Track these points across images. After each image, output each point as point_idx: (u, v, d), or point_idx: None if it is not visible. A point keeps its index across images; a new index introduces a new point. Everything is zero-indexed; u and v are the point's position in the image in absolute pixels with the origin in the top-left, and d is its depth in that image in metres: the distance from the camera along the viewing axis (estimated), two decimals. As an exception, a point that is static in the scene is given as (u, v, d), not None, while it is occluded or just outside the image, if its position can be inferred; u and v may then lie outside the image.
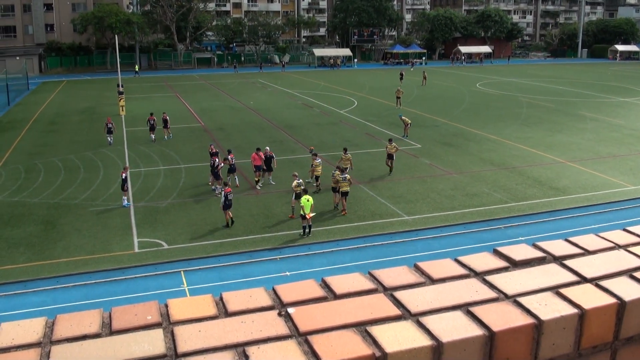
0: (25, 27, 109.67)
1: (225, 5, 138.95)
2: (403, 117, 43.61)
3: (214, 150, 31.83)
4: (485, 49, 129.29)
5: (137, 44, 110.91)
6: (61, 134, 47.43)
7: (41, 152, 40.48)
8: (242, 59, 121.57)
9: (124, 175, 28.51)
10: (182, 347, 1.72)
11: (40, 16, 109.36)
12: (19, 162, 37.64)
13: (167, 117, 43.83)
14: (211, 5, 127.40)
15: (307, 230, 24.65)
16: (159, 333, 1.81)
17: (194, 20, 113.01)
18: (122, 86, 61.16)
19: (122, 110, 53.32)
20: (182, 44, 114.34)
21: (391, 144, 33.14)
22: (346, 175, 27.49)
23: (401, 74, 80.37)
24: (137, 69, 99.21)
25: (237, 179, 31.37)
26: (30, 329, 1.89)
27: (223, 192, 25.96)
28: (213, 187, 30.33)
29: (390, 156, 33.02)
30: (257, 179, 31.09)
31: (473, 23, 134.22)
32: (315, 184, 30.22)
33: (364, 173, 33.07)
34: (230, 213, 25.95)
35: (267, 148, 32.18)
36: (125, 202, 28.42)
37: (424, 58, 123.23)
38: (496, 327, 1.75)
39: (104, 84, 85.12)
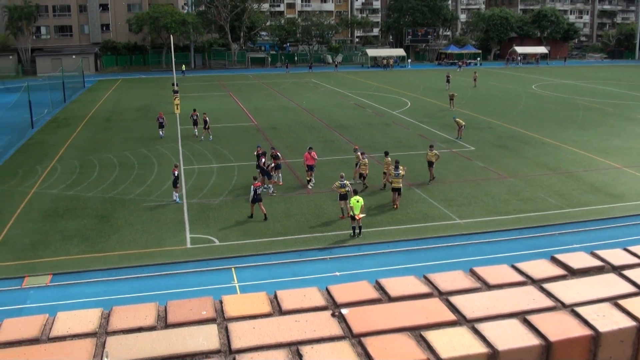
0: (81, 26, 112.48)
1: (279, 6, 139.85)
2: (457, 119, 43.14)
3: (261, 151, 31.92)
4: (542, 49, 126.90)
5: (191, 44, 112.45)
6: (116, 130, 48.40)
7: (96, 148, 41.38)
8: (295, 58, 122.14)
9: (175, 172, 28.97)
10: (236, 344, 1.74)
11: (96, 16, 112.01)
12: (74, 157, 38.56)
13: (207, 118, 43.78)
14: (265, 6, 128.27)
15: (357, 231, 24.61)
16: (213, 328, 1.83)
17: (248, 20, 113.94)
18: (177, 85, 62.12)
19: (177, 108, 54.08)
20: (236, 43, 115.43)
21: (432, 151, 31.99)
22: (399, 171, 27.70)
23: (447, 77, 75.79)
24: (183, 69, 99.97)
25: (280, 176, 31.69)
26: (86, 319, 1.93)
27: (252, 186, 26.46)
28: (265, 186, 30.54)
29: (430, 163, 31.84)
30: (308, 179, 31.19)
31: (529, 23, 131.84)
32: (358, 182, 30.16)
33: (417, 175, 32.83)
34: (262, 207, 26.50)
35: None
36: (176, 198, 28.86)
37: (478, 59, 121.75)
38: (553, 337, 1.72)
39: (159, 82, 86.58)
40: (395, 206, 27.88)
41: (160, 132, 44.77)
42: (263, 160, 30.71)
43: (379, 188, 30.51)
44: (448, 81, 74.29)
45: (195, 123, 44.81)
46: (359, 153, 31.53)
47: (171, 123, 49.15)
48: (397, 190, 27.90)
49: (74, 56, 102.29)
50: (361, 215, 24.41)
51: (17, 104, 54.08)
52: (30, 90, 51.00)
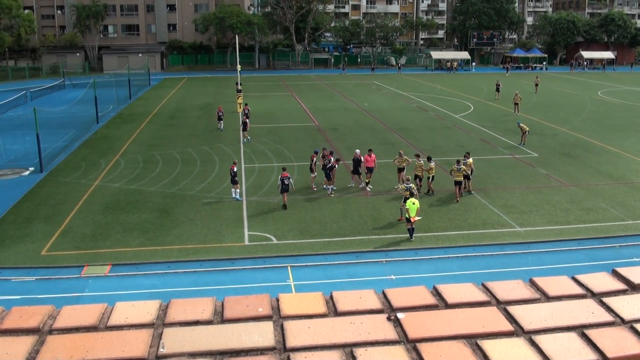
0: (148, 26, 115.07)
1: (344, 7, 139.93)
2: (521, 124, 42.44)
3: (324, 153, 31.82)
4: (608, 54, 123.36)
5: (256, 44, 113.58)
6: (180, 128, 49.24)
7: (159, 144, 42.20)
8: (359, 60, 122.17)
9: (234, 169, 29.31)
10: (291, 342, 1.75)
11: (163, 16, 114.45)
12: (137, 153, 39.44)
13: (247, 120, 44.04)
14: (330, 7, 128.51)
15: (413, 233, 24.48)
16: (269, 326, 1.85)
17: (313, 21, 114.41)
18: (240, 84, 62.81)
19: (240, 107, 54.65)
20: (301, 44, 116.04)
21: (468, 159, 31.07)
22: (461, 166, 29.21)
23: (497, 85, 68.63)
24: (239, 69, 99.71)
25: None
26: (144, 310, 1.97)
27: (280, 176, 27.67)
28: (324, 186, 30.58)
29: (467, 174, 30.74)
30: (367, 180, 31.12)
31: (596, 27, 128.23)
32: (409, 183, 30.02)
33: (477, 180, 32.37)
34: (285, 197, 27.88)
35: (325, 148, 32.84)
36: (235, 195, 29.19)
37: (544, 63, 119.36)
38: (610, 353, 1.68)
39: (223, 81, 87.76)
40: (456, 199, 29.19)
41: (219, 125, 47.36)
42: (332, 158, 30.54)
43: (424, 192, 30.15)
44: (498, 89, 68.00)
45: (247, 117, 46.65)
46: (405, 157, 31.55)
47: (234, 122, 49.74)
48: (458, 183, 29.25)
49: (140, 54, 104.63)
50: (417, 218, 24.28)
51: (83, 99, 55.60)
52: (97, 86, 52.31)
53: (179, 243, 24.07)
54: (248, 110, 46.92)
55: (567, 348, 1.68)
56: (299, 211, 27.73)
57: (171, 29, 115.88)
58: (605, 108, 62.23)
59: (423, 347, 1.68)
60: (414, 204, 24.09)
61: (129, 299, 2.04)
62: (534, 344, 1.70)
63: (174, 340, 1.81)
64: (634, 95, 74.29)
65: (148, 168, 35.37)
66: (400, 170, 31.10)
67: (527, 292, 1.97)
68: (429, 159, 30.70)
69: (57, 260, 22.53)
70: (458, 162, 29.50)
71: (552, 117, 54.54)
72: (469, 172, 30.51)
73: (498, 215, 27.51)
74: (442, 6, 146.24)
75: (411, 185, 26.31)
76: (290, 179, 27.91)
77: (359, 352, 1.69)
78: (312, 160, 31.09)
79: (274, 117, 54.26)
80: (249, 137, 43.20)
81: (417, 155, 31.80)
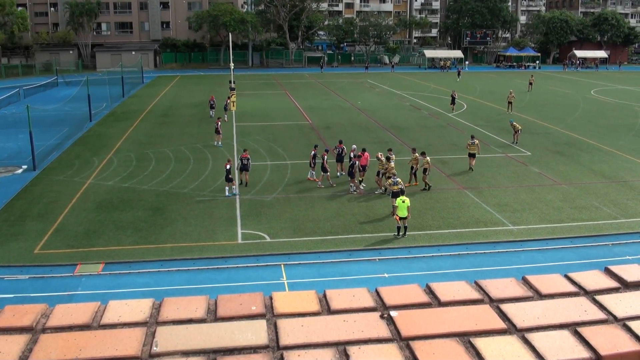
0: (141, 23, 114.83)
1: (337, 6, 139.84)
2: (514, 123, 42.58)
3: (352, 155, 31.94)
4: (601, 53, 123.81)
5: (250, 42, 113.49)
6: (173, 125, 49.15)
7: (153, 142, 42.10)
8: (352, 58, 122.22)
9: (228, 166, 29.31)
10: (285, 340, 1.75)
11: (156, 14, 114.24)
12: (131, 151, 39.33)
13: (220, 123, 42.06)
14: (324, 5, 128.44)
15: (402, 232, 24.50)
16: (262, 324, 1.85)
17: (307, 19, 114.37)
18: (234, 82, 62.73)
19: (233, 105, 54.56)
20: (294, 42, 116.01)
21: (414, 154, 31.67)
22: (475, 141, 34.70)
23: (453, 97, 58.06)
24: (232, 67, 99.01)
25: (314, 174, 32.13)
26: (137, 308, 1.97)
27: (241, 157, 30.76)
28: (350, 185, 30.47)
29: (420, 170, 31.11)
30: (360, 179, 31.13)
31: (589, 26, 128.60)
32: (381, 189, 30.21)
33: (471, 179, 32.51)
34: (247, 176, 30.88)
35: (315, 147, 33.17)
36: (231, 192, 29.21)
37: (537, 62, 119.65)
38: (603, 350, 1.68)
39: (216, 79, 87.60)
40: (470, 169, 34.28)
41: (211, 113, 51.85)
42: (357, 162, 30.53)
43: (380, 192, 30.13)
44: (453, 102, 57.54)
45: (225, 108, 51.44)
46: (382, 159, 31.00)
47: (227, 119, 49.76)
48: (472, 155, 34.29)
49: (133, 52, 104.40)
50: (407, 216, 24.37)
51: (76, 97, 55.44)
52: (90, 84, 52.17)
53: (172, 241, 24.03)
54: (227, 102, 51.63)
55: (560, 346, 1.68)
56: (292, 209, 27.73)
57: (164, 26, 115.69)
58: (599, 107, 62.43)
59: (416, 345, 1.68)
60: (403, 202, 24.15)
61: (122, 297, 2.03)
62: (526, 342, 1.70)
63: (167, 338, 1.81)
64: (627, 94, 74.54)
65: (141, 166, 35.30)
66: (377, 174, 30.81)
67: (520, 290, 1.97)
68: (388, 159, 30.49)
69: (50, 258, 22.48)
70: (472, 137, 35.17)
71: (545, 116, 54.68)
72: (417, 166, 31.19)
73: (491, 213, 27.57)
74: (436, 5, 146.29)
75: (398, 179, 26.36)
76: (250, 160, 30.83)
77: (352, 350, 1.69)
78: (315, 157, 31.30)
79: (268, 115, 54.25)
80: (216, 143, 41.38)
81: (390, 150, 31.95)
